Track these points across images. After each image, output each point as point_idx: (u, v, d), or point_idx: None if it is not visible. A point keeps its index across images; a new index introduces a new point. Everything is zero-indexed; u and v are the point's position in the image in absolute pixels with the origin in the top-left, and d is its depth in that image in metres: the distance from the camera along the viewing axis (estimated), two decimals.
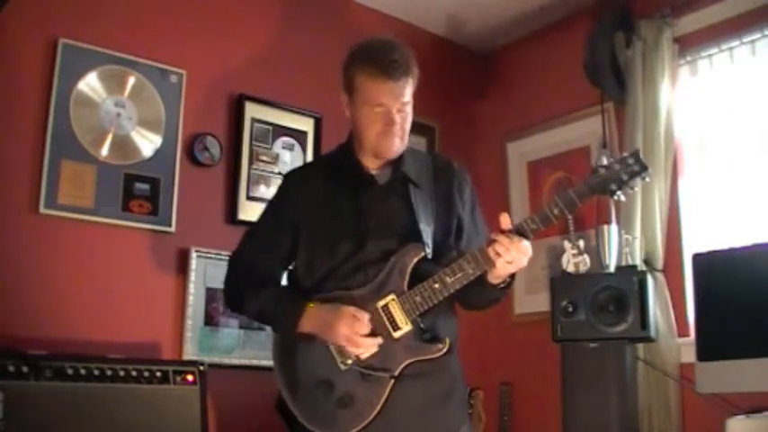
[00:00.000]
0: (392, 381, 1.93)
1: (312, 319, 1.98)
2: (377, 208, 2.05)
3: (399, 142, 2.04)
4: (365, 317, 1.94)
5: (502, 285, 1.98)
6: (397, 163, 2.08)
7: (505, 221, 1.88)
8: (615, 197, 1.90)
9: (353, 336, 1.92)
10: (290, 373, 2.01)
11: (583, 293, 2.93)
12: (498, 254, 1.86)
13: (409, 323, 1.93)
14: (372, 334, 1.94)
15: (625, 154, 1.89)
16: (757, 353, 2.60)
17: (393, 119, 1.99)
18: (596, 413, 2.83)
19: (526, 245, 1.88)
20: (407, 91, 2.01)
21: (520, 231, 1.88)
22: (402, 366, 1.93)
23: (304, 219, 2.09)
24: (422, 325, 1.96)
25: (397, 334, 1.94)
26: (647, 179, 1.90)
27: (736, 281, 2.73)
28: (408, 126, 2.05)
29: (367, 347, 1.93)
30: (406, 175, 2.07)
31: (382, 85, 1.97)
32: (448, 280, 1.91)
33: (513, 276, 1.98)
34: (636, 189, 1.90)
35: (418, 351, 1.94)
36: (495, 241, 1.86)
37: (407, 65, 1.99)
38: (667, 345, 3.05)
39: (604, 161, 1.89)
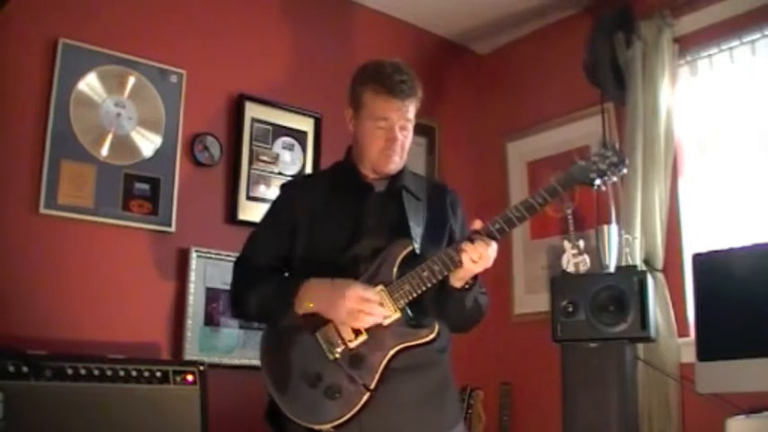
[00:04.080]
0: (382, 366, 1.95)
1: (313, 291, 1.99)
2: (373, 210, 2.12)
3: (398, 160, 2.15)
4: (368, 286, 1.97)
5: (465, 287, 2.01)
6: (395, 176, 2.18)
7: (479, 223, 1.96)
8: (595, 187, 2.00)
9: (362, 301, 1.93)
10: (277, 368, 2.02)
11: (583, 293, 2.93)
12: (465, 251, 1.91)
13: (398, 310, 1.97)
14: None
15: (601, 150, 2.00)
16: (757, 353, 2.59)
17: (395, 135, 2.10)
18: (596, 413, 2.83)
19: (494, 248, 1.94)
20: (411, 109, 2.12)
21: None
22: (391, 353, 1.96)
23: (302, 220, 2.14)
24: (410, 313, 1.99)
25: (386, 321, 1.97)
26: (626, 170, 2.00)
27: (736, 281, 2.73)
28: (408, 145, 2.16)
29: (377, 314, 1.94)
30: (403, 185, 2.17)
31: (389, 102, 2.08)
32: (435, 268, 1.96)
33: (475, 278, 2.01)
34: (615, 179, 2.00)
35: (406, 336, 1.97)
36: (467, 239, 1.92)
37: (414, 86, 2.11)
38: (667, 345, 3.05)
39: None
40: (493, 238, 1.94)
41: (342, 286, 1.96)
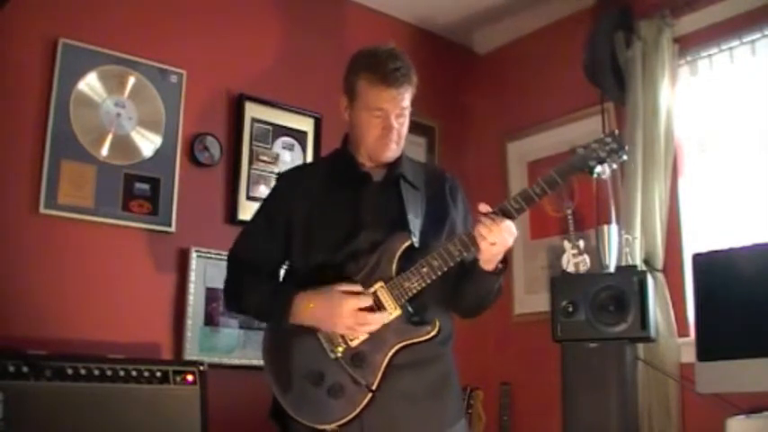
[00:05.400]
0: (384, 364, 1.94)
1: (307, 311, 1.99)
2: (371, 202, 2.10)
3: (396, 147, 2.11)
4: (358, 288, 1.96)
5: (496, 272, 2.00)
6: (393, 164, 2.14)
7: (484, 206, 1.93)
8: (596, 174, 1.96)
9: (358, 314, 1.93)
10: (280, 368, 2.02)
11: (583, 293, 2.93)
12: (482, 236, 1.89)
13: (398, 308, 1.97)
14: (373, 309, 1.95)
15: (601, 137, 1.96)
16: (757, 353, 2.59)
17: (391, 124, 2.07)
18: (596, 413, 2.83)
19: (509, 224, 1.92)
20: (407, 97, 2.08)
21: (504, 212, 1.92)
22: (393, 351, 1.95)
23: (298, 213, 2.12)
24: (410, 309, 1.99)
25: (386, 319, 1.96)
26: (626, 157, 1.96)
27: (736, 281, 2.73)
28: (405, 132, 2.13)
29: (375, 323, 1.94)
30: (401, 174, 2.13)
31: (383, 92, 2.04)
32: (435, 263, 1.95)
33: (505, 263, 2.01)
34: (615, 166, 1.96)
35: (408, 333, 1.96)
36: (478, 222, 1.90)
37: (408, 74, 2.07)
38: (667, 345, 3.05)
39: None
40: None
41: (335, 302, 1.95)
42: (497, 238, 1.89)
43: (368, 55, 2.10)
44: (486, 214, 1.90)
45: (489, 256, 1.95)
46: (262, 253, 2.16)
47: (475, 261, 1.99)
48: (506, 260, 2.01)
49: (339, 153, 2.23)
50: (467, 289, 2.08)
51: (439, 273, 1.95)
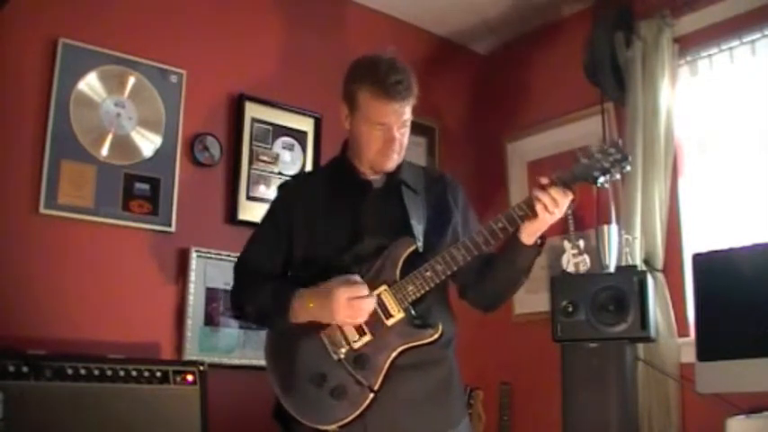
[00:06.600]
0: (386, 366, 1.95)
1: (305, 308, 1.99)
2: (372, 208, 2.11)
3: (397, 157, 2.11)
4: (357, 277, 1.97)
5: (537, 244, 2.01)
6: (393, 171, 2.14)
7: (545, 179, 1.93)
8: (598, 184, 1.96)
9: (352, 303, 1.93)
10: (283, 369, 2.03)
11: (583, 293, 2.93)
12: (545, 205, 1.90)
13: (402, 311, 1.97)
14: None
15: (604, 147, 1.96)
16: (757, 353, 2.59)
17: (393, 136, 2.06)
18: (596, 413, 2.83)
19: (568, 195, 1.93)
20: (408, 110, 2.07)
21: (563, 183, 1.92)
22: (395, 354, 1.96)
23: (300, 220, 2.13)
24: (414, 312, 1.99)
25: (389, 322, 1.97)
26: (629, 167, 1.97)
27: (736, 281, 2.73)
28: (406, 141, 2.12)
29: (369, 305, 1.94)
30: (401, 180, 2.14)
31: (386, 105, 2.02)
32: (438, 267, 1.96)
33: (543, 238, 2.01)
34: (618, 177, 1.97)
35: (410, 336, 1.97)
36: (542, 192, 1.90)
37: (410, 86, 2.04)
38: (667, 345, 3.05)
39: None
40: (495, 237, 1.95)
41: (329, 291, 1.95)
42: (558, 208, 1.90)
43: (369, 65, 2.07)
44: (552, 183, 1.91)
45: (541, 226, 1.95)
46: (267, 262, 2.16)
47: (513, 237, 1.99)
48: (544, 236, 2.01)
49: (339, 161, 2.23)
50: (500, 269, 2.07)
51: (442, 277, 1.97)
